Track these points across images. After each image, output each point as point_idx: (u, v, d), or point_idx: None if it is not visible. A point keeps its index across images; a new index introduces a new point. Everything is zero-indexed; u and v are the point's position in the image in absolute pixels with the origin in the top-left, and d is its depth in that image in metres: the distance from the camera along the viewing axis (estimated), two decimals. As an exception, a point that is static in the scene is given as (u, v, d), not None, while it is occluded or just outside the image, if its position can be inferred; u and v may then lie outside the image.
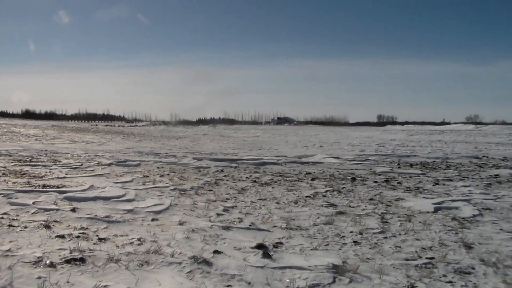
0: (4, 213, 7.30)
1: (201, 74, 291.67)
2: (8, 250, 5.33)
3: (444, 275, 5.06)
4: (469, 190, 11.37)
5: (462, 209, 8.88)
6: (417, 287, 4.65)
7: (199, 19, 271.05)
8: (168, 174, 13.29)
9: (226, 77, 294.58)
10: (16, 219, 6.96)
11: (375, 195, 10.39)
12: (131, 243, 5.89)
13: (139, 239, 6.04)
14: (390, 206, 9.17)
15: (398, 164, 18.48)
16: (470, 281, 4.93)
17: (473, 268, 5.33)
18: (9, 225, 6.55)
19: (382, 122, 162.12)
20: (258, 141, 38.10)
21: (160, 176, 12.76)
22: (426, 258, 5.67)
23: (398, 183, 12.71)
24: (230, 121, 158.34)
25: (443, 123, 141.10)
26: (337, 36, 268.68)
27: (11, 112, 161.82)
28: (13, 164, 14.39)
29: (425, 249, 6.11)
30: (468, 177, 14.18)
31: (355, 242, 6.36)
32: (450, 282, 4.86)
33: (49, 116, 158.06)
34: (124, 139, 36.56)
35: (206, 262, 5.17)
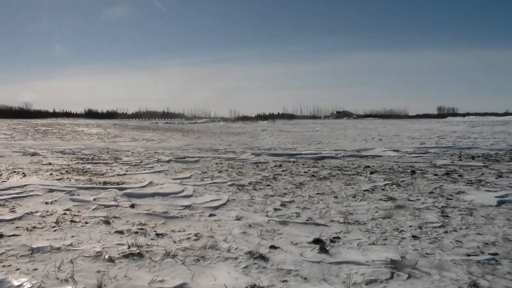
0: (67, 209, 7.51)
1: (257, 70, 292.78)
2: (70, 245, 5.49)
3: (509, 272, 4.87)
4: (535, 183, 10.97)
5: (527, 202, 8.58)
6: (480, 284, 4.50)
7: (253, 16, 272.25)
8: (227, 170, 13.38)
9: (283, 72, 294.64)
10: (78, 215, 7.15)
11: (435, 188, 10.17)
12: (188, 238, 5.94)
13: (196, 235, 6.09)
14: (450, 199, 8.95)
15: (459, 157, 18.07)
16: (538, 279, 4.74)
17: (541, 265, 5.13)
18: (71, 221, 6.74)
19: (442, 114, 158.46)
20: (317, 136, 37.99)
21: (218, 172, 12.85)
22: (489, 254, 5.49)
23: (459, 176, 12.41)
24: (289, 116, 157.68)
25: (506, 113, 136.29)
26: (395, 28, 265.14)
27: (74, 112, 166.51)
28: (76, 162, 14.79)
29: (487, 244, 5.92)
30: (534, 169, 13.70)
31: (414, 237, 6.23)
32: (515, 279, 4.69)
33: (111, 115, 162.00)
34: (183, 136, 37.10)
35: (262, 257, 5.17)
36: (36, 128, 44.71)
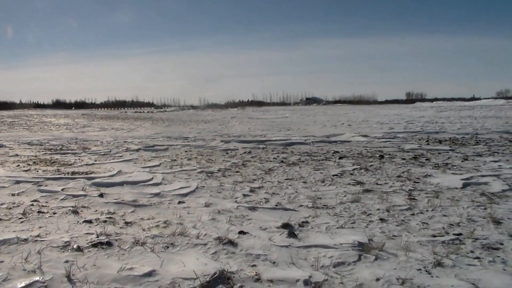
0: (34, 200, 7.42)
1: (226, 58, 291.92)
2: (38, 236, 5.43)
3: (472, 251, 4.99)
4: (499, 165, 11.19)
5: (491, 184, 8.76)
6: (444, 263, 4.59)
7: (222, 3, 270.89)
8: (196, 157, 13.35)
9: (252, 60, 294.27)
10: (46, 206, 7.07)
11: (403, 172, 10.30)
12: (157, 226, 5.94)
13: (165, 222, 6.09)
14: (418, 182, 9.08)
15: (427, 141, 18.30)
16: (498, 256, 4.85)
17: (502, 244, 5.25)
18: (39, 212, 6.66)
19: (411, 99, 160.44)
20: (287, 122, 38.06)
21: (187, 160, 12.82)
22: (454, 234, 5.61)
23: (426, 159, 12.58)
24: (259, 103, 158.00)
25: (473, 98, 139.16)
26: (365, 14, 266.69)
27: (42, 103, 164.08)
28: (43, 153, 14.58)
29: (452, 225, 6.04)
30: (498, 152, 13.97)
31: (382, 220, 6.32)
32: (477, 258, 4.79)
33: (79, 105, 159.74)
34: (153, 124, 36.83)
35: (231, 243, 5.19)
36: (1, 120, 43.96)
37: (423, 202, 7.36)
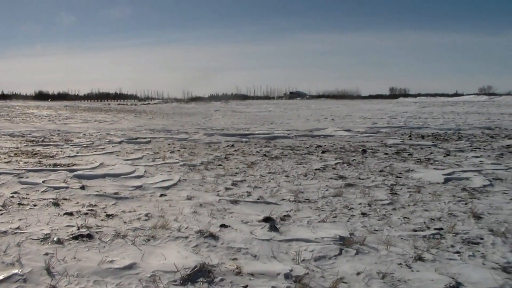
0: (15, 192, 7.34)
1: (210, 51, 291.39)
2: (17, 228, 5.38)
3: (452, 246, 5.03)
4: (481, 161, 11.28)
5: (472, 179, 8.82)
6: (424, 257, 4.62)
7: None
8: (179, 150, 13.30)
9: (236, 53, 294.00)
10: (26, 198, 7.00)
11: (385, 167, 10.34)
12: (139, 218, 5.91)
13: (146, 215, 6.07)
14: (400, 177, 9.12)
15: (410, 136, 18.39)
16: (478, 251, 4.89)
17: (482, 238, 5.30)
18: (19, 204, 6.59)
19: (394, 94, 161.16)
20: (270, 116, 38.02)
21: (170, 153, 12.77)
22: (435, 229, 5.64)
23: (409, 154, 12.64)
24: (242, 97, 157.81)
25: (456, 94, 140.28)
26: (348, 9, 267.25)
27: (24, 94, 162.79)
28: (25, 144, 14.45)
29: (433, 220, 6.08)
30: (479, 148, 14.08)
31: (363, 214, 6.34)
32: (457, 252, 4.83)
33: (62, 96, 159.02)
34: (136, 117, 36.63)
35: (213, 236, 5.18)
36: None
37: (404, 197, 7.39)
